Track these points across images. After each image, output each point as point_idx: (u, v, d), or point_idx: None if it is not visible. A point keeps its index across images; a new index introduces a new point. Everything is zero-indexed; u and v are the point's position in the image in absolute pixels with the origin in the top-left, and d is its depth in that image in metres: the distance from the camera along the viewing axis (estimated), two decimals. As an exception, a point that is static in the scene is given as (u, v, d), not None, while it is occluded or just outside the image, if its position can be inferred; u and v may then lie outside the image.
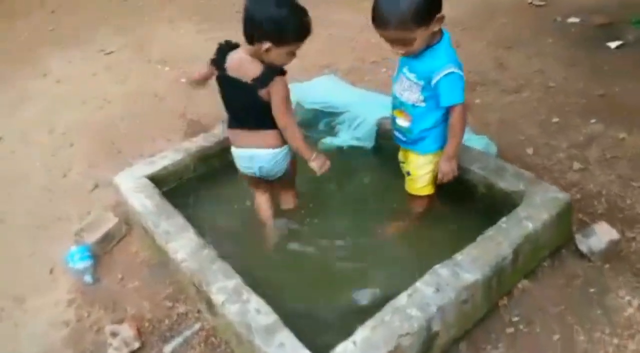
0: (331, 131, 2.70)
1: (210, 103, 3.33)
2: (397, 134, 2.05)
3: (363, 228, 2.18)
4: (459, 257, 1.73)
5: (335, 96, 2.75)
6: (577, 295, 1.90)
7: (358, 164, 2.52)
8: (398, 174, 2.17)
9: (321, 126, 2.72)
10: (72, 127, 3.35)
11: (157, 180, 2.32)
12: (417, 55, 1.79)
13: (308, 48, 1.94)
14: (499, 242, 1.78)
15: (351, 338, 1.48)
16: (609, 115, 2.79)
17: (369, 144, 2.55)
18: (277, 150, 1.99)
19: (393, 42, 1.75)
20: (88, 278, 2.17)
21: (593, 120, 2.78)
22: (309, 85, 2.93)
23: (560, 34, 3.64)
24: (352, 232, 2.16)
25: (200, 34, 4.48)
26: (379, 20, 1.69)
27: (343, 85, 2.91)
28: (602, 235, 1.99)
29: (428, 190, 2.05)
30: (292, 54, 1.85)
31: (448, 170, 1.93)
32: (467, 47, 3.47)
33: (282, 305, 1.66)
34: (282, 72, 1.85)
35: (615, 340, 1.74)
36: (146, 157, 2.60)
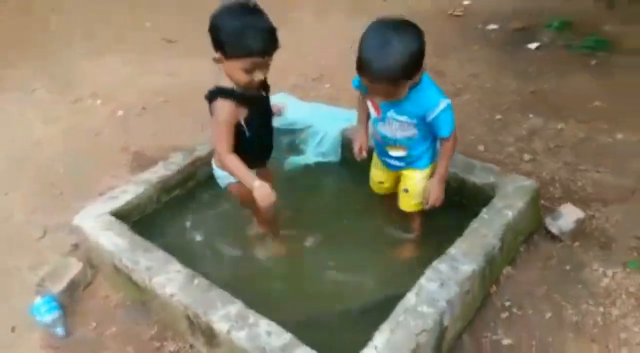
0: (295, 149, 2.69)
1: (151, 133, 3.25)
2: (389, 161, 2.00)
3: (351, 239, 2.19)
4: (452, 250, 1.78)
5: (292, 113, 2.74)
6: (556, 274, 2.01)
7: (329, 179, 2.54)
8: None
9: (284, 145, 2.71)
10: (5, 172, 3.09)
11: (120, 215, 2.19)
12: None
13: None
14: (484, 233, 1.85)
15: (371, 344, 1.47)
16: (544, 110, 3.02)
17: (335, 158, 2.56)
18: (215, 167, 1.97)
19: (377, 92, 1.71)
20: (59, 330, 1.98)
21: (531, 115, 2.99)
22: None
23: (484, 40, 3.91)
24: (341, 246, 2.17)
25: (127, 65, 4.33)
26: (367, 74, 1.62)
27: (298, 101, 2.92)
28: (568, 215, 2.13)
29: (422, 206, 2.01)
30: (248, 72, 1.65)
31: (440, 194, 1.90)
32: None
33: (286, 323, 1.61)
34: (229, 95, 1.71)
35: (601, 309, 1.87)
36: (94, 196, 2.46)
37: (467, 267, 1.72)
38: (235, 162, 1.76)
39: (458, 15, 4.34)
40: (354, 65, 1.66)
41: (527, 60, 3.57)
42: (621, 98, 3.02)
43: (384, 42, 1.58)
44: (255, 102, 1.81)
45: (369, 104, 1.90)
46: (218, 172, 1.97)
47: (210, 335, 1.68)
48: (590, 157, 2.60)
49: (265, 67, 1.70)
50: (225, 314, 1.63)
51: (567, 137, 2.78)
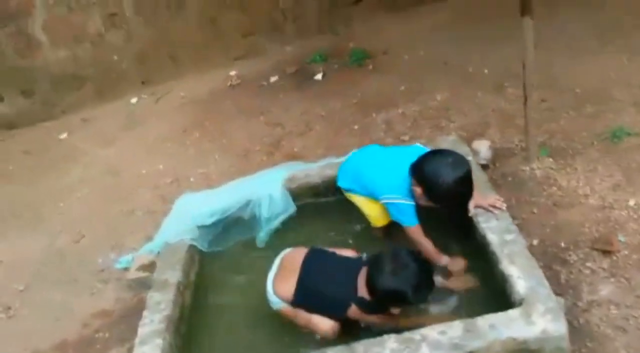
0: (250, 226, 2.69)
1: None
2: None
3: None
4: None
5: (220, 199, 2.75)
6: (513, 187, 2.64)
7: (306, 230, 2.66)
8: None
9: (237, 231, 2.68)
10: None
11: None
12: None
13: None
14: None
15: None
16: (381, 106, 3.72)
17: (292, 210, 2.70)
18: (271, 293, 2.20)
19: None
20: None
21: (374, 114, 3.65)
22: (179, 212, 2.80)
23: (280, 89, 4.46)
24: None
25: None
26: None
27: (209, 191, 2.91)
28: (480, 147, 2.79)
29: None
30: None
31: None
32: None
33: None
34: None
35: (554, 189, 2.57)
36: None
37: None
38: None
39: (238, 84, 4.79)
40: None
41: (322, 89, 4.26)
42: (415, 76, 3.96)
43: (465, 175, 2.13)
44: None
45: None
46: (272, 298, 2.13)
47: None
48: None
49: None
50: None
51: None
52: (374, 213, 2.41)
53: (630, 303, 1.99)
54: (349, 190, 2.50)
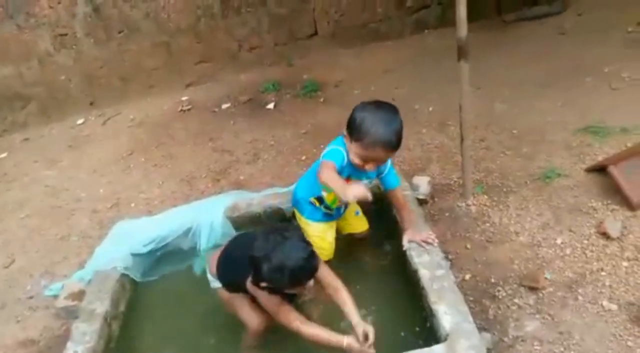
0: (190, 254, 2.64)
1: None
2: (340, 212, 2.41)
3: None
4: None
5: (158, 227, 2.69)
6: (449, 222, 2.71)
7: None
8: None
9: (175, 260, 2.63)
10: None
11: None
12: None
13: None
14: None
15: None
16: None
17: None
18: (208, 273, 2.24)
19: (380, 161, 2.13)
20: None
21: (322, 145, 3.68)
22: (114, 239, 2.73)
23: (232, 116, 4.46)
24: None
25: None
26: (391, 147, 2.03)
27: (148, 219, 2.85)
28: (420, 182, 2.86)
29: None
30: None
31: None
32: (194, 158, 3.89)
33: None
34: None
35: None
36: None
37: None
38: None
39: (189, 109, 4.77)
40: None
41: (275, 118, 4.30)
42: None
43: (389, 117, 2.03)
44: None
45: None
46: (209, 276, 2.03)
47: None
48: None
49: None
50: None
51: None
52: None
53: (552, 339, 2.05)
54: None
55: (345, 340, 1.88)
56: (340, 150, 2.11)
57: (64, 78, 4.82)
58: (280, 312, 1.96)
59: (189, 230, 2.68)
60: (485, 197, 2.83)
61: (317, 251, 2.01)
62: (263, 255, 1.84)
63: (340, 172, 2.08)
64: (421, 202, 2.80)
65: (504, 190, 2.87)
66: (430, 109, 3.89)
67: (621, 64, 3.82)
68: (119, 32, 4.74)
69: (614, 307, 2.12)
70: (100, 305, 2.28)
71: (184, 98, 4.99)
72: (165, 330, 2.39)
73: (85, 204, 3.60)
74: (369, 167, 2.10)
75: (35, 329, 2.67)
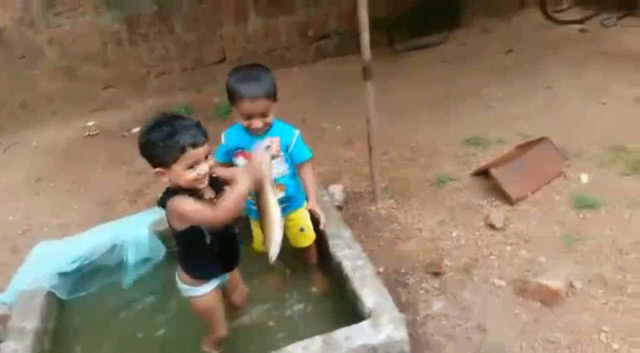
0: (118, 269, 2.66)
1: None
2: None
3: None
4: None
5: (82, 245, 2.69)
6: (362, 225, 3.02)
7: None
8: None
9: (102, 276, 2.64)
10: None
11: None
12: (268, 131, 2.20)
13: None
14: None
15: None
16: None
17: (159, 255, 2.73)
18: (178, 280, 2.13)
19: (258, 111, 2.12)
20: None
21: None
22: (34, 261, 2.67)
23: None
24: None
25: None
26: (251, 92, 2.08)
27: (73, 238, 2.82)
28: (335, 190, 3.15)
29: (314, 236, 2.51)
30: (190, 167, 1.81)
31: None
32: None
33: None
34: (184, 192, 1.85)
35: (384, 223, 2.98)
36: None
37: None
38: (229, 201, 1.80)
39: (96, 134, 4.72)
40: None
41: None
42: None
43: (251, 72, 2.18)
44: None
45: (240, 158, 2.29)
46: (181, 285, 2.10)
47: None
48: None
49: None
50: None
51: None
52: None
53: (456, 314, 2.39)
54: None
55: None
56: (222, 144, 2.33)
57: (-41, 104, 4.58)
58: (203, 212, 1.81)
59: (114, 246, 2.70)
60: (392, 201, 3.19)
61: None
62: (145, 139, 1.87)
63: (227, 152, 2.31)
64: (338, 208, 3.08)
65: (407, 194, 3.24)
66: (338, 128, 4.25)
67: (496, 85, 4.48)
68: (21, 58, 4.61)
69: (503, 283, 2.52)
70: (29, 323, 2.25)
71: (89, 123, 4.93)
72: (97, 346, 2.40)
73: (-6, 231, 3.44)
74: (255, 125, 2.16)
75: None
